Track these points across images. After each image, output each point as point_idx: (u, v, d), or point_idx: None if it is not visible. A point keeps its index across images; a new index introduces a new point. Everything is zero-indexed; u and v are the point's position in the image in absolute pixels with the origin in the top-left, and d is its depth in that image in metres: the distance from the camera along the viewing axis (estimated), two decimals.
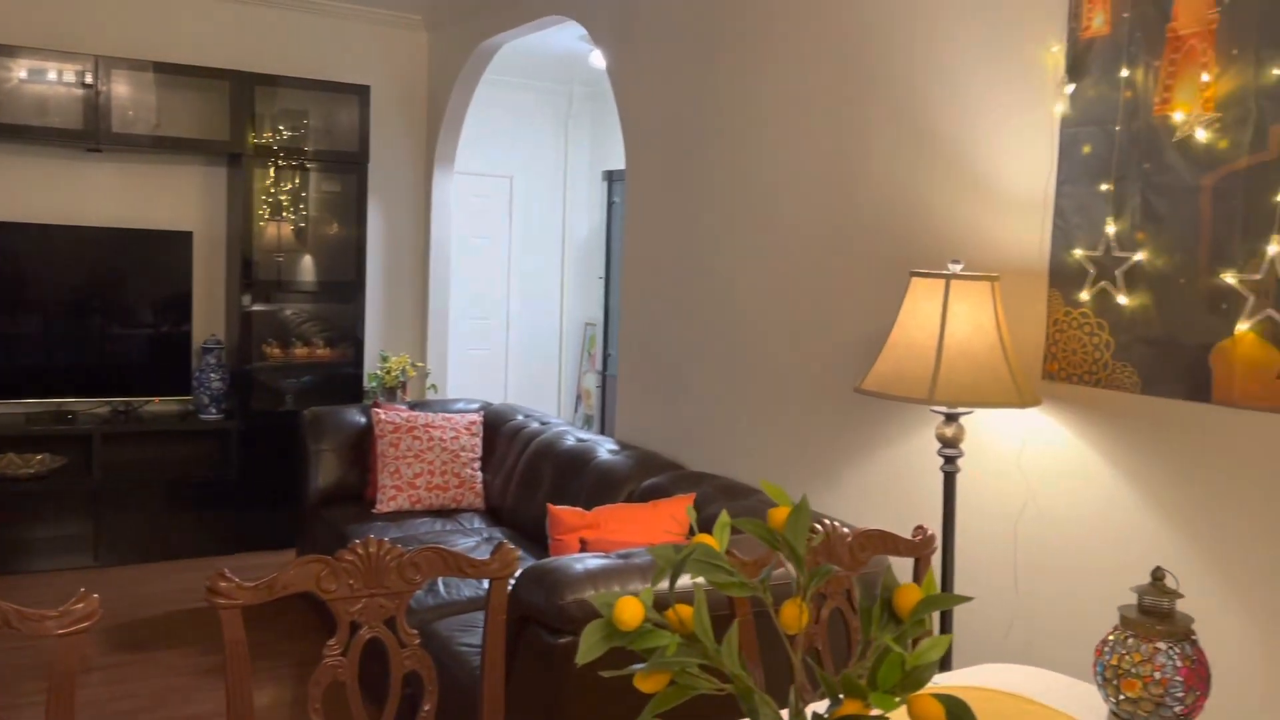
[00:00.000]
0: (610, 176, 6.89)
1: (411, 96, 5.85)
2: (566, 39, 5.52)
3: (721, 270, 3.65)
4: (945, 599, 1.06)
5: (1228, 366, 2.09)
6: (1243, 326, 2.06)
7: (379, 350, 5.68)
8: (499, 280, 6.88)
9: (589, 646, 1.05)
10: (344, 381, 5.36)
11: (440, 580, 3.29)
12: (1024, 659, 2.41)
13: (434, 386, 5.79)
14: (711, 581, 1.12)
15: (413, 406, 4.56)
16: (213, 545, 4.90)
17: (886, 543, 2.02)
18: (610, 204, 6.91)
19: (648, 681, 1.08)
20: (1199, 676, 1.56)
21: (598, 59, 4.48)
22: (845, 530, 1.97)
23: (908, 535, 2.04)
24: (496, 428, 4.43)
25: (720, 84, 3.64)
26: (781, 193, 3.35)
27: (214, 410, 5.02)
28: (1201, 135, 2.13)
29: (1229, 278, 2.08)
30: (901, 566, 2.05)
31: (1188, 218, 2.16)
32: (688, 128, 3.82)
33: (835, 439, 3.12)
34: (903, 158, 2.88)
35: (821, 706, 1.07)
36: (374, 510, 4.19)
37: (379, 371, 5.49)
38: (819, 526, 1.95)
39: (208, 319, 5.23)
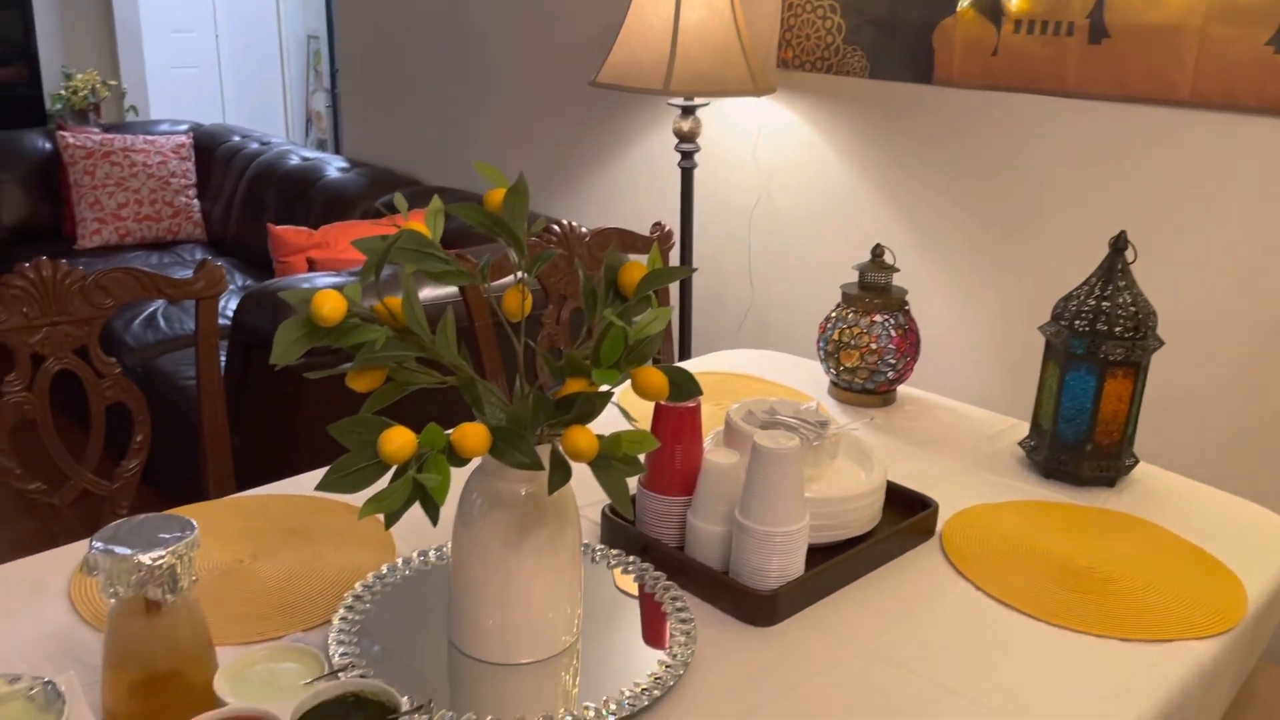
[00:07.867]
0: None
1: None
2: None
3: None
4: (670, 272, 1.02)
5: (949, 46, 2.11)
6: (964, 3, 2.06)
7: (60, 67, 4.93)
8: None
9: (285, 346, 0.95)
10: (20, 105, 4.65)
11: (160, 315, 3.03)
12: (758, 346, 2.53)
13: (133, 108, 5.14)
14: (423, 271, 1.02)
15: (107, 129, 4.02)
16: None
17: (624, 240, 1.99)
18: None
19: (361, 380, 1.00)
20: (910, 343, 1.66)
21: None
22: (583, 230, 1.92)
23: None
24: (210, 151, 4.01)
25: None
26: None
27: None
28: None
29: None
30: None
31: None
32: None
33: (575, 143, 3.01)
34: None
35: None
36: (75, 247, 3.76)
37: (63, 92, 4.79)
38: (555, 228, 1.89)
39: None
